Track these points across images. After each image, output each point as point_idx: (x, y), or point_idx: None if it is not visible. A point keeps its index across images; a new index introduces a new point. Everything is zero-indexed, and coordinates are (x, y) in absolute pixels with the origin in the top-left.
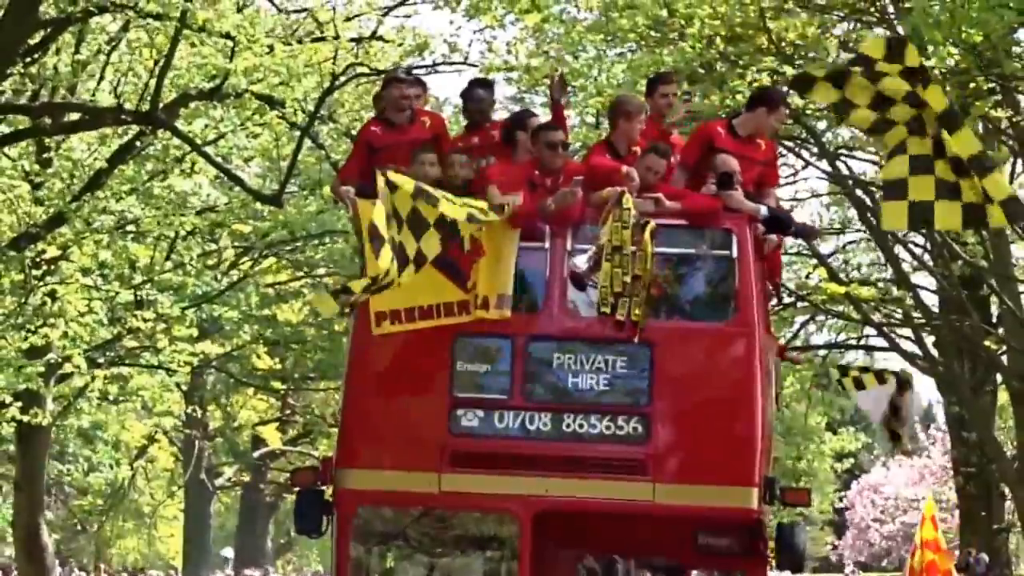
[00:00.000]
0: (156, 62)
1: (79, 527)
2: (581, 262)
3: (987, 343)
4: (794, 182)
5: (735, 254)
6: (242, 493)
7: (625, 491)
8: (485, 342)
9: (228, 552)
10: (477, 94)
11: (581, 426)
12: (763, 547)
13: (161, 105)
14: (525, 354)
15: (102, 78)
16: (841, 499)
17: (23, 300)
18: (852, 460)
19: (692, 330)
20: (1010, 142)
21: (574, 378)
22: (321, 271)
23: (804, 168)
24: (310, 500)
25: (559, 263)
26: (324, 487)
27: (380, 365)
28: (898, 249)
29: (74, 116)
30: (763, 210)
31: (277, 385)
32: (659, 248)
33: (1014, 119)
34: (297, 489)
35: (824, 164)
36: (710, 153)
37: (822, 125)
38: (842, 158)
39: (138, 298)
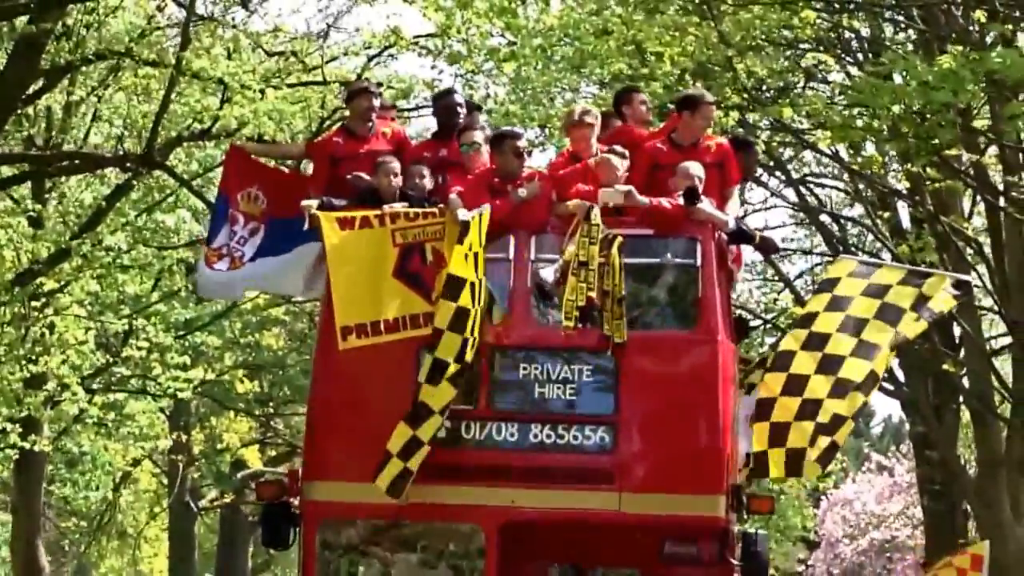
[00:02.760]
0: (141, 100)
1: (65, 548)
2: (548, 274)
3: (947, 366)
4: (768, 208)
5: (699, 262)
6: (222, 513)
7: (591, 501)
8: None
9: None
10: (453, 100)
11: (548, 436)
12: (730, 555)
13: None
14: (491, 364)
15: (95, 119)
16: (813, 516)
17: (23, 333)
18: (833, 478)
19: (657, 339)
20: (964, 177)
21: (540, 388)
22: (300, 298)
23: (771, 197)
24: (277, 513)
25: (523, 273)
26: (291, 500)
27: (345, 378)
28: None
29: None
30: (731, 223)
31: (259, 409)
32: (626, 259)
33: (973, 158)
34: (263, 503)
35: (790, 192)
36: (656, 171)
37: (788, 153)
38: (808, 185)
39: (132, 328)
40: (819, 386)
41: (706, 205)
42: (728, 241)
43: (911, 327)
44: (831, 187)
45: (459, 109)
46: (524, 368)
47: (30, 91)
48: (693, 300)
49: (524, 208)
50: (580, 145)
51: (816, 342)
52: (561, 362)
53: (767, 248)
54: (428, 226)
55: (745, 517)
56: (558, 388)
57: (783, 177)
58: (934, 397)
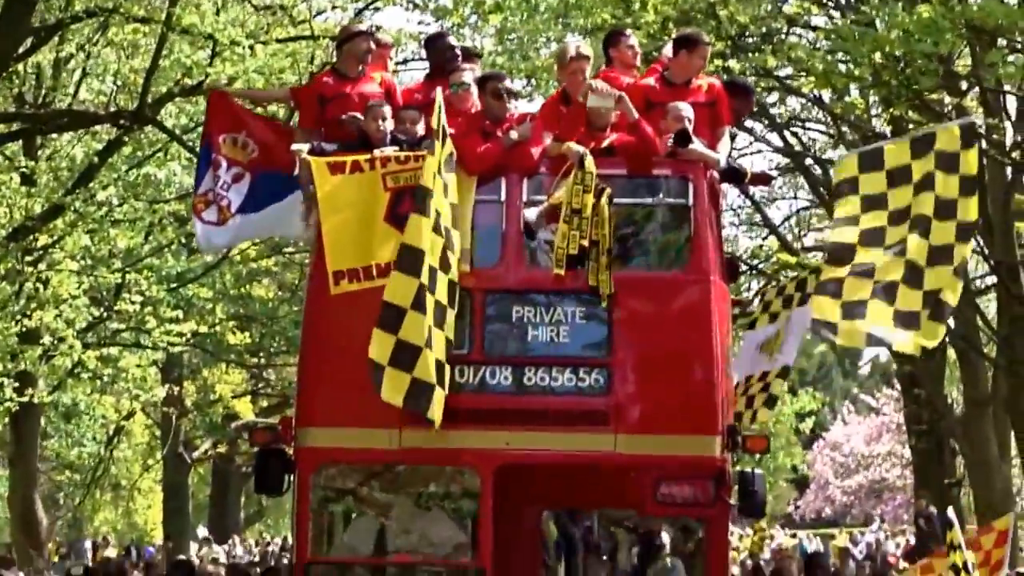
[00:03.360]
0: (129, 56)
1: (60, 502)
2: (532, 214)
3: None
4: (753, 153)
5: (691, 202)
6: (214, 464)
7: (586, 443)
8: None
9: (203, 531)
10: (447, 41)
11: (542, 379)
12: (726, 495)
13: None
14: (484, 308)
15: (84, 75)
16: (803, 460)
17: (18, 288)
18: (813, 419)
19: (649, 279)
20: (946, 120)
21: (533, 331)
22: (290, 249)
23: (755, 141)
24: (271, 459)
25: (515, 216)
26: (285, 446)
27: (338, 323)
28: None
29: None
30: (721, 161)
31: (251, 360)
32: (617, 199)
33: (954, 101)
34: (257, 449)
35: (774, 137)
36: (648, 110)
37: (772, 99)
38: (792, 129)
39: (124, 281)
40: (891, 269)
41: (697, 145)
42: (720, 180)
43: (967, 208)
44: (815, 131)
45: (454, 50)
46: (517, 311)
47: (23, 49)
48: (685, 240)
49: (515, 151)
50: (575, 79)
51: (873, 238)
52: (554, 305)
53: (760, 181)
54: (419, 170)
55: (737, 457)
56: (551, 331)
57: (767, 122)
58: None
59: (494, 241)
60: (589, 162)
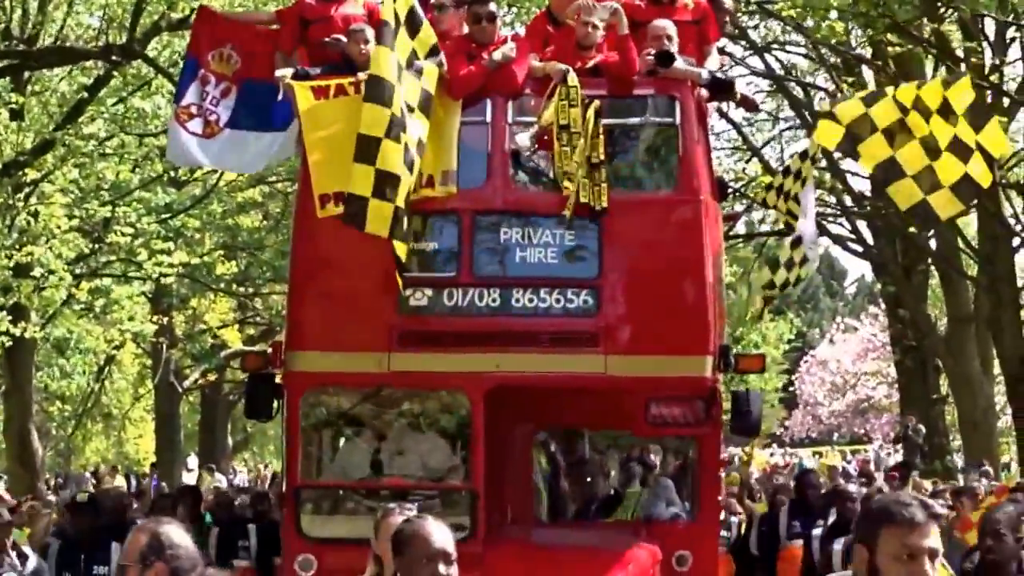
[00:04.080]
0: None
1: (52, 433)
2: (523, 139)
3: (914, 228)
4: (735, 77)
5: (679, 121)
6: (203, 393)
7: (577, 364)
8: (431, 220)
9: (193, 461)
10: None
11: (531, 301)
12: (717, 414)
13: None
14: (472, 230)
15: (71, 9)
16: (791, 380)
17: (10, 223)
18: (800, 341)
19: (639, 200)
20: (925, 45)
21: (522, 252)
22: (273, 178)
23: (735, 65)
24: (260, 384)
25: (501, 137)
26: (275, 371)
27: (326, 247)
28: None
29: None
30: (704, 74)
31: (239, 289)
32: (605, 119)
33: (934, 26)
34: (248, 374)
35: (756, 61)
36: (635, 29)
37: (752, 22)
38: (772, 51)
39: (114, 214)
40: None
41: (680, 63)
42: (708, 95)
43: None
44: (795, 53)
45: None
46: (504, 233)
47: None
48: (674, 159)
49: (499, 72)
50: (556, 7)
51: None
52: (543, 225)
53: (747, 106)
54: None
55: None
56: (539, 252)
57: (747, 45)
58: (903, 258)
59: (480, 162)
60: (571, 77)
